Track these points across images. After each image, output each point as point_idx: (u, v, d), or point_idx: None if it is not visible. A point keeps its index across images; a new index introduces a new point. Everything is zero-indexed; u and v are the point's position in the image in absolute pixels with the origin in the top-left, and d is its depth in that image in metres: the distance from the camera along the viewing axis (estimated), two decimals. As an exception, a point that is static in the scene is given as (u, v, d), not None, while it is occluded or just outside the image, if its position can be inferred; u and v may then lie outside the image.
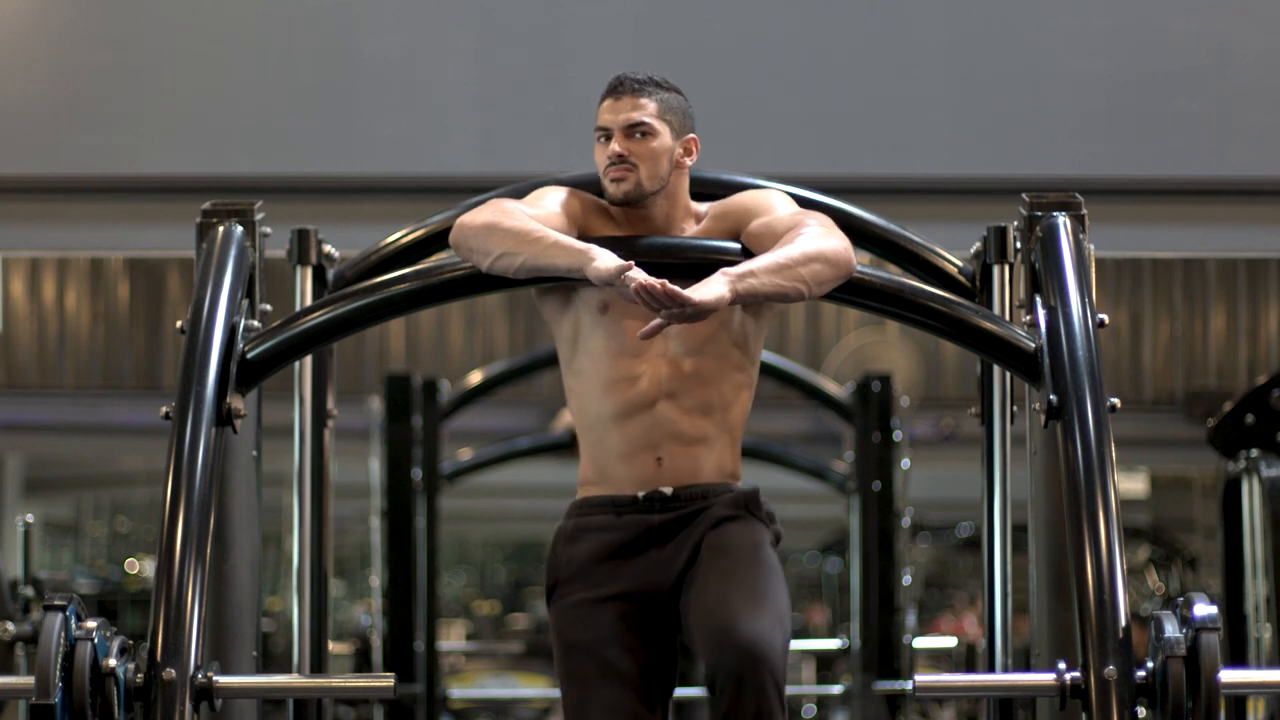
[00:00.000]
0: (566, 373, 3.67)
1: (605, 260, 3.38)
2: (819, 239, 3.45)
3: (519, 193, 3.68)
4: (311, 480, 4.01)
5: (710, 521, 3.56)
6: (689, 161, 3.62)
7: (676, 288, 3.34)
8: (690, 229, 3.62)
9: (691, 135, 3.62)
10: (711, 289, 3.36)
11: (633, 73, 3.59)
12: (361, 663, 8.73)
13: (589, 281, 3.41)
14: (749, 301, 3.45)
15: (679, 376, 3.58)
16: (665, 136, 3.57)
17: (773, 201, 3.59)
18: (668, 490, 3.59)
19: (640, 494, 3.59)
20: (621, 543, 3.59)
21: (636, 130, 3.56)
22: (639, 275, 3.35)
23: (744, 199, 3.62)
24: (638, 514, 3.59)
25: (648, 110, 3.56)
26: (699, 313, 3.35)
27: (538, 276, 3.46)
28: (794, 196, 3.68)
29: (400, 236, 3.94)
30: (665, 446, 3.59)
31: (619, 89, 3.58)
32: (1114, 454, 3.28)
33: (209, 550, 3.27)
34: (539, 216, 3.51)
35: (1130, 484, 12.43)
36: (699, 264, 3.48)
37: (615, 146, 3.55)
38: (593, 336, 3.60)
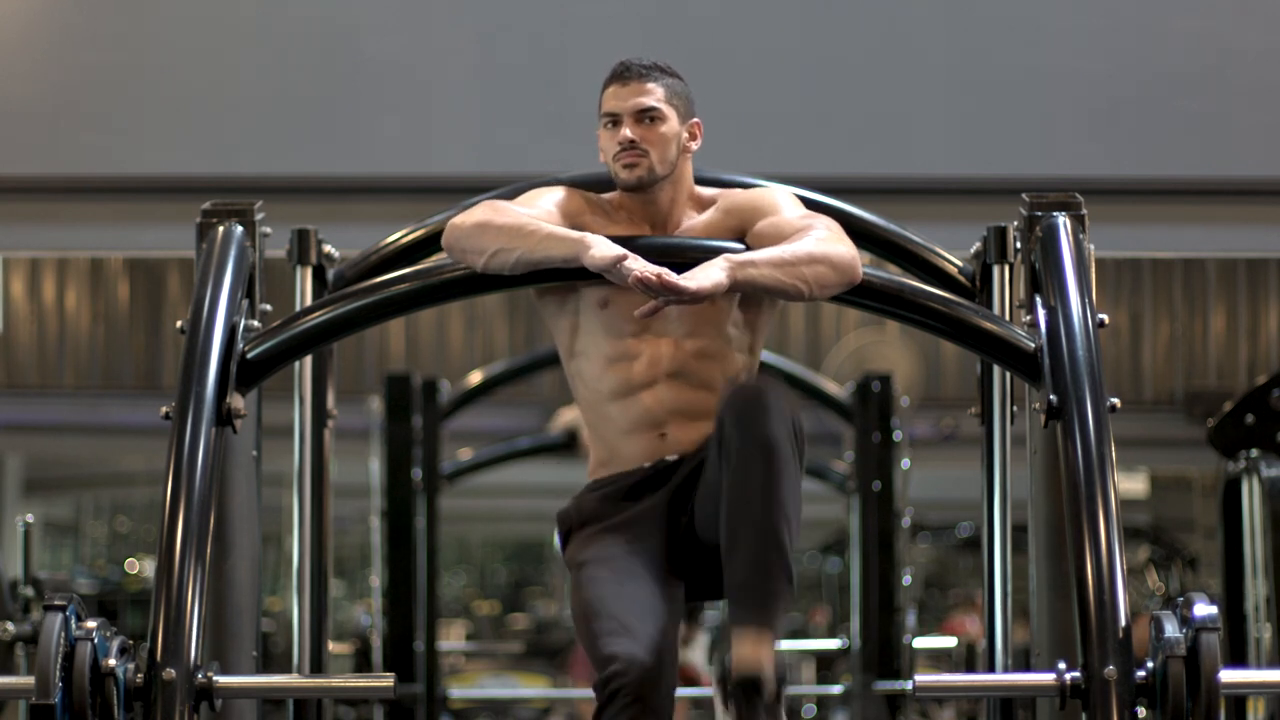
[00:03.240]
0: (568, 359, 3.65)
1: (601, 249, 3.38)
2: (826, 243, 3.44)
3: (514, 193, 3.67)
4: (311, 480, 4.01)
5: None
6: (694, 146, 3.61)
7: (674, 277, 3.33)
8: (692, 216, 3.61)
9: (695, 120, 3.61)
10: (709, 274, 3.36)
11: (637, 58, 3.57)
12: (361, 663, 8.71)
13: (587, 273, 3.40)
14: (747, 290, 3.44)
15: (680, 355, 3.57)
16: (673, 121, 3.56)
17: (781, 203, 3.58)
18: (673, 457, 3.57)
19: (647, 464, 3.58)
20: (632, 484, 3.57)
21: (646, 115, 3.54)
22: (636, 266, 3.34)
23: (753, 196, 3.61)
24: (646, 477, 3.58)
25: (656, 95, 3.54)
26: (695, 299, 3.36)
27: (535, 271, 3.45)
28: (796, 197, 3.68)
29: (400, 236, 3.94)
30: (669, 422, 3.57)
31: (626, 74, 3.55)
32: (1114, 454, 3.28)
33: (209, 550, 3.27)
34: (532, 213, 3.50)
35: (1130, 484, 12.42)
36: (699, 264, 3.47)
37: (626, 132, 3.53)
38: (593, 321, 3.59)
